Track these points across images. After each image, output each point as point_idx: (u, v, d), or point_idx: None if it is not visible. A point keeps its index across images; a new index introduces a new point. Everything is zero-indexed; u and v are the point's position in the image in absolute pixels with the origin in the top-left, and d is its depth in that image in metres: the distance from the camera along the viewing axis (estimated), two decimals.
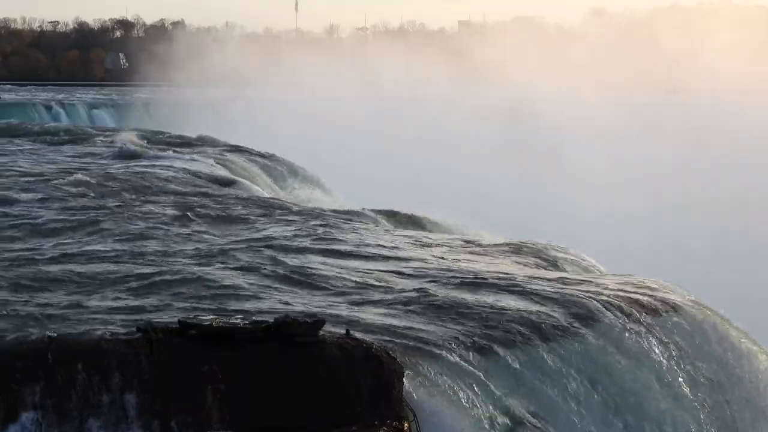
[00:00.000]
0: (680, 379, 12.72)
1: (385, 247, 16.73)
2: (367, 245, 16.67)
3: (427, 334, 11.52)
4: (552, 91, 69.62)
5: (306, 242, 16.39)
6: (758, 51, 73.66)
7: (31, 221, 17.87)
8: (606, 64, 73.85)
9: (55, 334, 9.92)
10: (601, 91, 67.84)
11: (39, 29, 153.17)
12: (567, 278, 14.98)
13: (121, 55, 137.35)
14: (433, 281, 14.23)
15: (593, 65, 74.89)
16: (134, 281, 13.16)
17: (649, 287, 14.57)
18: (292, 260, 14.86)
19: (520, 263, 16.35)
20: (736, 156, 55.12)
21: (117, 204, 20.09)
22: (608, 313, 13.08)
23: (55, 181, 22.92)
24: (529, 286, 13.96)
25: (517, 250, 17.30)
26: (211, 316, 10.41)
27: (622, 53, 75.76)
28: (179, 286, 12.94)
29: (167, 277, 13.39)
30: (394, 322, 11.86)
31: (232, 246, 15.88)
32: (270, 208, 20.71)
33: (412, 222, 21.27)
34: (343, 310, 12.19)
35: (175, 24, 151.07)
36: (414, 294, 13.31)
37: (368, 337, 10.70)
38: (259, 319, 10.32)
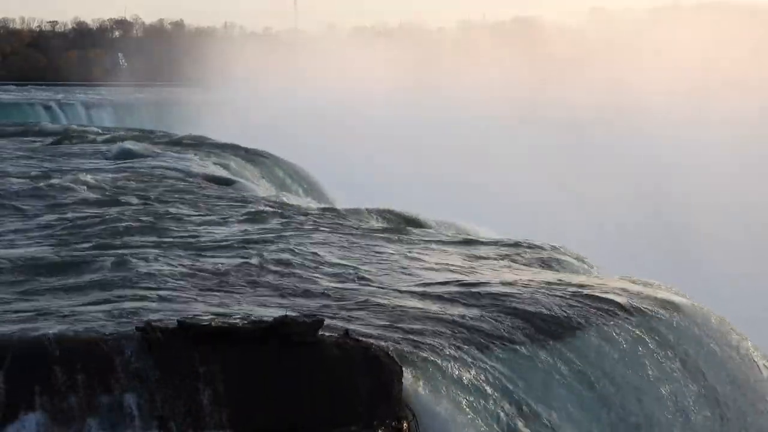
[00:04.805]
0: (681, 381, 12.74)
1: (382, 246, 16.73)
2: (365, 245, 16.68)
3: (426, 334, 11.53)
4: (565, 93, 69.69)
5: (303, 242, 16.39)
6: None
7: (29, 221, 17.88)
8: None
9: (55, 334, 9.92)
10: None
11: (38, 29, 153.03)
12: (566, 278, 14.99)
13: (120, 55, 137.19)
14: (431, 280, 14.25)
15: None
16: (133, 281, 13.16)
17: (648, 288, 14.59)
18: (291, 260, 14.87)
19: (519, 263, 16.36)
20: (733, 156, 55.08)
21: (115, 204, 20.10)
22: (609, 313, 13.10)
23: (53, 181, 22.92)
24: (528, 286, 13.98)
25: (515, 249, 17.33)
26: (210, 316, 10.42)
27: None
28: (178, 286, 12.95)
29: (166, 276, 13.40)
30: (393, 322, 11.86)
31: (230, 246, 15.89)
32: (268, 208, 20.72)
33: (408, 221, 21.27)
34: (342, 310, 12.20)
35: (174, 24, 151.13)
36: (412, 293, 13.32)
37: (367, 338, 10.71)
38: (258, 318, 10.33)
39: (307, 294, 13.06)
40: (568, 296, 13.51)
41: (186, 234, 16.97)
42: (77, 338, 9.92)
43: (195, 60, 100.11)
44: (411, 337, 11.41)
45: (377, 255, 15.91)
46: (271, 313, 11.09)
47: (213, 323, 10.01)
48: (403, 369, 10.33)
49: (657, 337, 13.08)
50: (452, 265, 15.53)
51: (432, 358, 10.96)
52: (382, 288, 13.63)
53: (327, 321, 10.54)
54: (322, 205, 23.76)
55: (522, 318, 12.51)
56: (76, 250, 15.15)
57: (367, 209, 21.40)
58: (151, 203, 20.58)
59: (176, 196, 22.14)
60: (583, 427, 11.44)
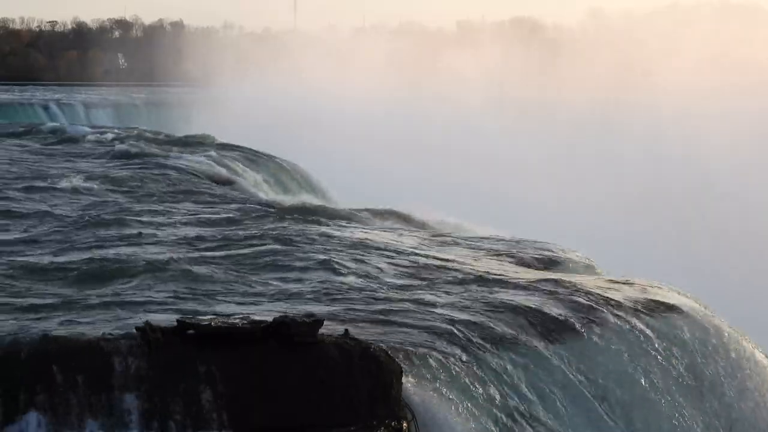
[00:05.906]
0: (679, 380, 12.74)
1: (380, 246, 16.72)
2: (363, 245, 16.66)
3: (425, 334, 11.53)
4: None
5: (302, 242, 16.39)
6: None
7: (30, 222, 17.88)
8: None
9: (55, 334, 9.93)
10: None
11: (37, 29, 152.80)
12: (565, 278, 14.98)
13: (120, 55, 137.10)
14: (430, 280, 14.25)
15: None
16: (132, 281, 13.17)
17: (647, 288, 14.59)
18: (289, 260, 14.87)
19: (520, 263, 16.35)
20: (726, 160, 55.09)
21: (115, 204, 20.11)
22: (607, 314, 13.10)
23: (54, 182, 22.92)
24: (527, 285, 13.98)
25: (516, 249, 17.32)
26: (210, 316, 10.43)
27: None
28: (177, 286, 12.95)
29: (165, 276, 13.41)
30: (393, 321, 11.86)
31: (228, 246, 15.89)
32: (267, 209, 20.73)
33: (407, 220, 21.27)
34: (341, 310, 12.20)
35: (173, 24, 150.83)
36: (411, 293, 13.32)
37: (366, 338, 10.71)
38: (258, 319, 10.33)
39: (306, 293, 13.06)
40: (570, 296, 13.51)
41: (186, 234, 16.97)
42: (77, 338, 9.93)
43: (194, 60, 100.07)
44: (411, 336, 11.41)
45: (377, 254, 15.91)
46: (271, 313, 11.09)
47: (213, 323, 10.01)
48: (403, 369, 10.34)
49: (658, 338, 13.08)
50: (453, 264, 15.52)
51: (432, 358, 10.96)
52: (381, 287, 13.63)
53: (326, 321, 10.54)
54: (322, 205, 23.75)
55: (523, 318, 12.51)
56: (76, 251, 15.15)
57: (368, 209, 21.41)
58: (152, 203, 20.59)
59: (176, 195, 22.15)
60: (581, 429, 11.45)
